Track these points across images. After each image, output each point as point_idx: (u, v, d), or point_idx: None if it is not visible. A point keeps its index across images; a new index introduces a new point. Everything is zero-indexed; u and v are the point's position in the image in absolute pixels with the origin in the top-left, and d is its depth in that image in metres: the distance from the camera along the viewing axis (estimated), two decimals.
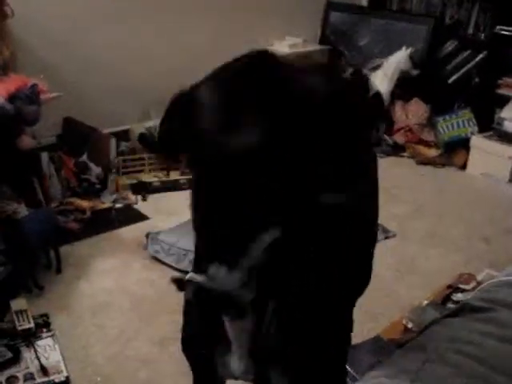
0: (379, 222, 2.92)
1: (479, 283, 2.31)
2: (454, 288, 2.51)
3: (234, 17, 4.14)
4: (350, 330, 1.17)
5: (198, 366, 1.35)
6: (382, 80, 4.17)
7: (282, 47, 4.44)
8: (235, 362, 1.13)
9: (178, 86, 1.06)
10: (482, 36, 4.17)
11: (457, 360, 0.71)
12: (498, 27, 3.95)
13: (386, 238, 3.03)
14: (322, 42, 4.83)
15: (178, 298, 1.18)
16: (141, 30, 3.66)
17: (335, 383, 1.18)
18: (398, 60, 4.14)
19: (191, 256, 2.55)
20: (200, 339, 1.25)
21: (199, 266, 1.04)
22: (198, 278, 1.00)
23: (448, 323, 0.82)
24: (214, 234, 1.02)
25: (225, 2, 4.06)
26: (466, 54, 4.17)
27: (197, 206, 1.05)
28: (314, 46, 4.68)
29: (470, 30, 4.24)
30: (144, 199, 3.29)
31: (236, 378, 1.23)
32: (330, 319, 1.09)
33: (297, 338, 1.08)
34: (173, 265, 2.62)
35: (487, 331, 0.76)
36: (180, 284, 1.05)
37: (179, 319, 1.32)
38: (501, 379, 0.65)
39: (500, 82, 4.00)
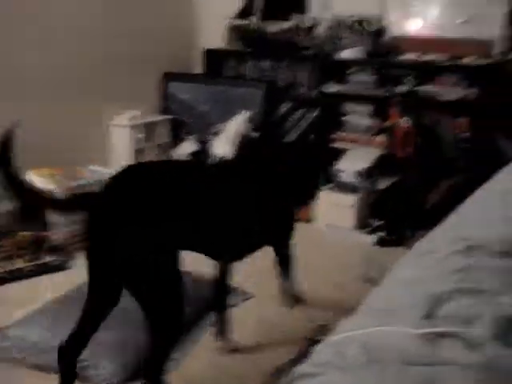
0: (236, 285, 2.96)
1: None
2: (313, 340, 2.55)
3: (72, 96, 4.09)
4: None
5: None
6: (224, 144, 4.31)
7: (122, 120, 4.45)
8: None
9: None
10: (313, 94, 4.40)
11: None
12: (325, 85, 4.21)
13: (245, 300, 3.04)
14: (163, 112, 4.88)
15: None
16: None
17: None
18: (237, 124, 4.32)
19: (41, 349, 2.41)
20: None
21: None
22: None
23: None
24: None
25: (60, 82, 4.01)
26: (300, 112, 4.39)
27: None
28: (154, 117, 4.72)
29: (302, 90, 4.47)
30: None
31: None
32: None
33: None
34: (28, 361, 2.45)
35: None
36: None
37: None
38: None
39: (333, 136, 4.24)
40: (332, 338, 1.01)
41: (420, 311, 1.09)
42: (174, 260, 1.89)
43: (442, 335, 1.04)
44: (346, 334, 1.08)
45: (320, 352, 0.96)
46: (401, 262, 1.53)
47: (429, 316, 1.08)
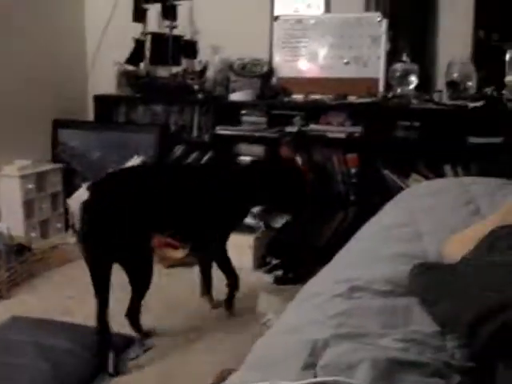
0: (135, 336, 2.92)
1: None
2: None
3: None
4: None
5: None
6: None
7: (11, 171, 4.31)
8: None
9: None
10: (206, 137, 4.43)
11: None
12: (217, 127, 4.26)
13: (145, 351, 2.97)
14: (55, 160, 4.76)
15: None
16: None
17: None
18: None
19: None
20: None
21: None
22: None
23: None
24: None
25: None
26: (194, 155, 4.40)
27: None
28: (46, 166, 4.59)
29: (195, 133, 4.50)
30: None
31: None
32: None
33: None
34: None
35: None
36: None
37: None
38: None
39: None
40: None
41: (300, 361, 1.09)
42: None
43: None
44: None
45: None
46: (289, 306, 1.54)
47: (308, 366, 1.09)
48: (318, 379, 1.03)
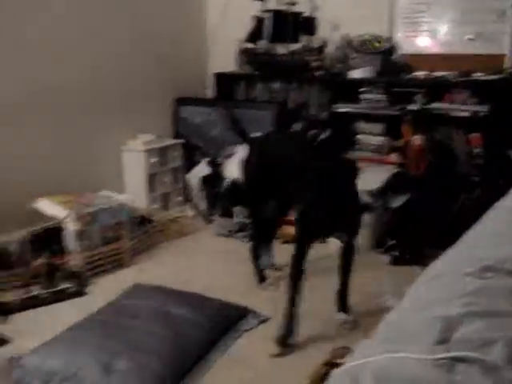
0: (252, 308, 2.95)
1: None
2: (330, 364, 2.50)
3: (83, 120, 4.13)
4: None
5: None
6: (236, 167, 4.29)
7: (136, 145, 4.48)
8: None
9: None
10: (324, 115, 4.40)
11: None
12: (335, 105, 4.22)
13: (260, 322, 3.02)
14: (176, 136, 4.91)
15: None
16: None
17: None
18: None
19: (59, 377, 2.41)
20: None
21: None
22: None
23: None
24: None
25: (74, 107, 4.05)
26: (312, 132, 4.39)
27: None
28: (167, 142, 4.74)
29: (313, 111, 4.48)
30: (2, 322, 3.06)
31: None
32: None
33: None
34: None
35: None
36: None
37: None
38: None
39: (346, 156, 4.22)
40: (346, 366, 1.00)
41: (433, 336, 1.07)
42: None
43: (457, 360, 1.02)
44: (360, 361, 1.06)
45: (334, 379, 0.95)
46: (414, 284, 1.51)
47: (443, 341, 1.06)
48: (453, 354, 1.01)
